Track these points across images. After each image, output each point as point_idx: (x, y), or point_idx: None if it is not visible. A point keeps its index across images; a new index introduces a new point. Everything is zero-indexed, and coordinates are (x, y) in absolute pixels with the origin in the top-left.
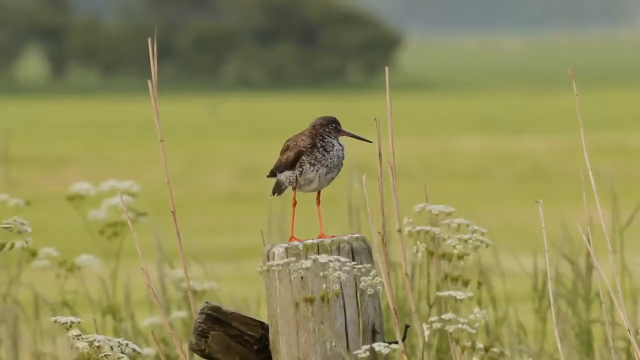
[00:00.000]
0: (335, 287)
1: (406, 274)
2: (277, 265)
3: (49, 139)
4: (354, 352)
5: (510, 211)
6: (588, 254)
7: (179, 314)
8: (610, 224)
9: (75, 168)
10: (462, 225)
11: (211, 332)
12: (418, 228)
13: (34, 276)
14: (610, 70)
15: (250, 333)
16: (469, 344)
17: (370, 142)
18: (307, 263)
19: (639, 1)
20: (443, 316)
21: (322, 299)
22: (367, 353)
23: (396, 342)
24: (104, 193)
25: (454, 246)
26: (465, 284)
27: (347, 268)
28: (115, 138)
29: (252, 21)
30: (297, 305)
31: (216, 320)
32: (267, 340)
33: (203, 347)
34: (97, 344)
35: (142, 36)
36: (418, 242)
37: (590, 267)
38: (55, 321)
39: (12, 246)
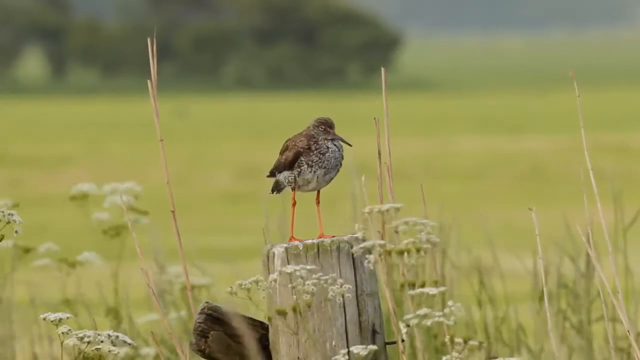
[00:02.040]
0: (306, 297)
1: (404, 274)
2: (244, 284)
3: (49, 139)
4: (333, 358)
5: (510, 211)
6: (588, 254)
7: (177, 315)
8: (611, 224)
9: (75, 168)
10: (410, 224)
11: (211, 332)
12: (370, 243)
13: (35, 275)
14: (610, 70)
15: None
16: (447, 338)
17: (350, 145)
18: (273, 276)
19: (639, 1)
20: (418, 312)
21: (294, 310)
22: (346, 357)
23: (393, 343)
24: (106, 194)
25: (403, 249)
26: (422, 285)
27: (314, 280)
28: (115, 138)
29: (252, 21)
30: (269, 320)
31: (216, 320)
32: (267, 340)
33: (203, 347)
34: (88, 340)
35: (142, 36)
36: (367, 254)
37: (591, 268)
38: (44, 319)
39: (2, 238)
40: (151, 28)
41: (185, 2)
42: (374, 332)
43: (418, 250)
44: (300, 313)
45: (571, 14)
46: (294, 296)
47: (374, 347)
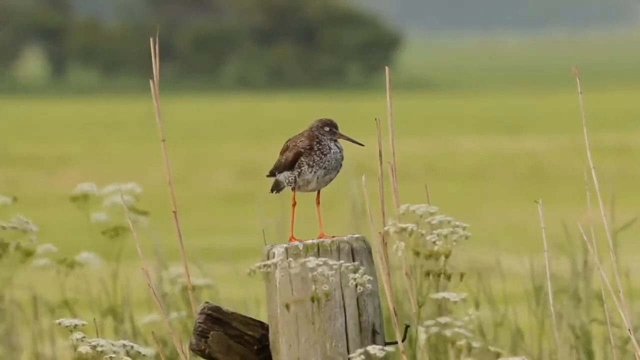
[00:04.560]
0: (325, 287)
1: (406, 274)
2: (265, 265)
3: (49, 139)
4: (349, 356)
5: (510, 211)
6: (588, 254)
7: (178, 314)
8: (611, 224)
9: (75, 168)
10: (444, 222)
11: (211, 332)
12: (399, 225)
13: (34, 275)
14: (610, 70)
15: (250, 333)
16: (463, 343)
17: (363, 145)
18: (295, 267)
19: (639, 1)
20: (439, 319)
21: (312, 300)
22: (362, 357)
23: (396, 342)
24: (106, 194)
25: (434, 242)
26: (448, 277)
27: (335, 266)
28: (115, 138)
29: (252, 21)
30: (287, 307)
31: (216, 320)
32: (267, 340)
33: (203, 347)
34: (101, 349)
35: (142, 36)
36: (397, 241)
37: (590, 267)
38: (59, 324)
39: (18, 246)
40: (151, 28)
41: (185, 2)
42: (374, 332)
43: (447, 256)
44: (318, 301)
45: (571, 14)
46: (293, 294)
47: (391, 349)
